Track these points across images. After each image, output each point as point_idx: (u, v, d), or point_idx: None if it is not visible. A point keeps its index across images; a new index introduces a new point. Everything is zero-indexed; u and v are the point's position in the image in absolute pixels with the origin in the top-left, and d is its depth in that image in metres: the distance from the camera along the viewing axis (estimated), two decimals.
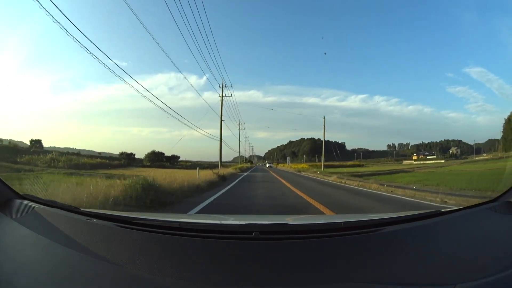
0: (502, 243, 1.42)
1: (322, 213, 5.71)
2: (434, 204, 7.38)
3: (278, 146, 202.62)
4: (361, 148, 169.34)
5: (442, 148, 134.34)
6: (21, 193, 1.79)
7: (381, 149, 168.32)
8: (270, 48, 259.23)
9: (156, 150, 46.92)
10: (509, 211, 1.65)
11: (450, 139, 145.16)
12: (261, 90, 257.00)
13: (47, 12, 7.77)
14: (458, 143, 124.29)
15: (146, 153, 46.33)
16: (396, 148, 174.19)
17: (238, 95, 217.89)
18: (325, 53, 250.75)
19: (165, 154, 46.05)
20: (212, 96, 61.43)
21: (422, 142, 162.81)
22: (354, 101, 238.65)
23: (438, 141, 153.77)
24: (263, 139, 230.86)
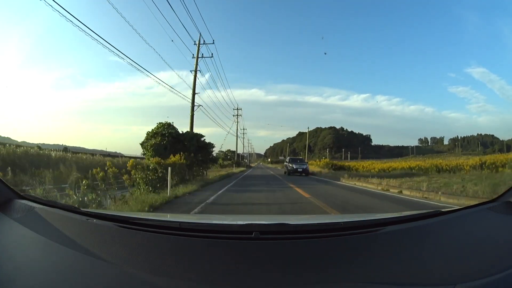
0: (502, 243, 1.41)
1: None
2: None
3: (283, 140, 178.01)
4: (378, 144, 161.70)
5: (481, 143, 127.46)
6: (21, 193, 1.79)
7: (401, 145, 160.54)
8: (273, 47, 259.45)
9: None
10: (509, 211, 1.64)
11: (482, 134, 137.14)
12: (263, 89, 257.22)
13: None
14: (492, 138, 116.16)
15: None
16: (429, 143, 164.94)
17: (240, 94, 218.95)
18: (325, 53, 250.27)
19: None
20: (212, 94, 60.97)
21: (458, 136, 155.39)
22: (356, 100, 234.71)
23: (470, 135, 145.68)
24: (264, 138, 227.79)
